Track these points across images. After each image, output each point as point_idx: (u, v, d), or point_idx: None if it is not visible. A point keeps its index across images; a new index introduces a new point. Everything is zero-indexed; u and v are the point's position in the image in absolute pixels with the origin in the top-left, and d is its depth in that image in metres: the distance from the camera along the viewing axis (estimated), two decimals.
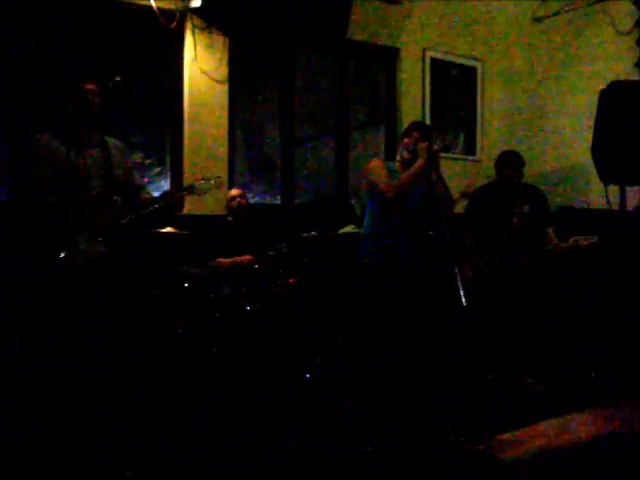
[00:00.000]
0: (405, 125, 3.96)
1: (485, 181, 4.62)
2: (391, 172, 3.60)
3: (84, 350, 2.87)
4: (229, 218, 4.34)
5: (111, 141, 3.30)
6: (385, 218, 3.60)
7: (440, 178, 3.59)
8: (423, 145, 3.50)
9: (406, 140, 3.63)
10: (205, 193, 3.41)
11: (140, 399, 2.99)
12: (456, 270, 3.20)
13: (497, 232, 4.26)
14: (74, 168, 3.06)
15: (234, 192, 4.33)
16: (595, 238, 4.01)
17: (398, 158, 3.70)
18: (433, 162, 3.50)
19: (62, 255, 2.88)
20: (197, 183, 3.35)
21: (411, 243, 3.58)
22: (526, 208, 4.28)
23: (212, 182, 3.37)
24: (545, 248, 4.14)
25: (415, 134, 3.62)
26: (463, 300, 3.11)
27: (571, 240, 4.09)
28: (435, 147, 3.51)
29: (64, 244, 2.91)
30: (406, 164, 3.60)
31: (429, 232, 3.62)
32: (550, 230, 4.27)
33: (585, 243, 4.01)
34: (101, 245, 3.05)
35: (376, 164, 3.67)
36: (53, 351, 2.85)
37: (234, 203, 4.28)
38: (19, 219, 3.13)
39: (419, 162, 3.46)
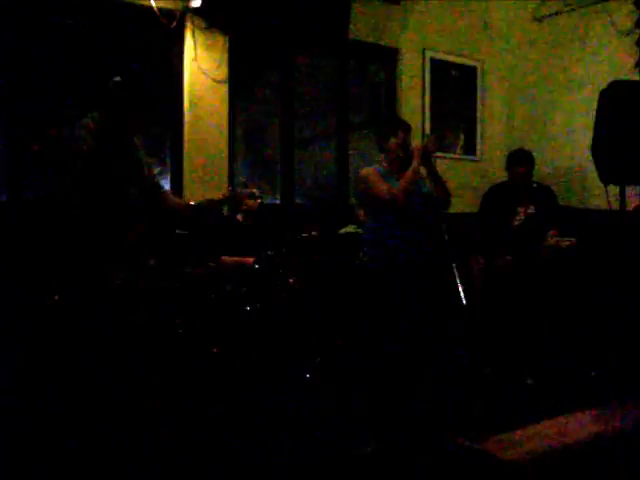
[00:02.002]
0: None
1: (484, 181, 4.63)
2: (385, 178, 3.59)
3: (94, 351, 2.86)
4: (238, 217, 4.34)
5: (137, 141, 3.10)
6: (386, 220, 3.58)
7: (438, 177, 3.58)
8: (418, 146, 3.49)
9: (394, 140, 3.60)
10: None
11: (139, 399, 2.99)
12: (455, 269, 3.21)
13: (498, 232, 4.26)
14: (118, 172, 2.85)
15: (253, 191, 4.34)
16: (574, 240, 4.02)
17: (384, 164, 3.67)
18: (428, 162, 3.50)
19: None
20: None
21: (412, 243, 3.57)
22: (531, 209, 4.29)
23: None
24: (529, 251, 4.14)
25: (401, 133, 3.61)
26: (463, 299, 3.11)
27: (552, 240, 4.10)
28: (430, 147, 3.50)
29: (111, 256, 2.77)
30: (397, 165, 3.59)
31: (428, 232, 3.61)
32: (550, 233, 4.23)
33: (565, 244, 4.03)
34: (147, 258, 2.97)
35: (370, 173, 3.62)
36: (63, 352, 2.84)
37: (254, 202, 4.28)
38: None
39: (415, 164, 3.45)
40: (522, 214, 4.28)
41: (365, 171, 3.67)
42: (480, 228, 4.40)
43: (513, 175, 4.36)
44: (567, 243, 4.02)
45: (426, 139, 3.60)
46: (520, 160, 4.34)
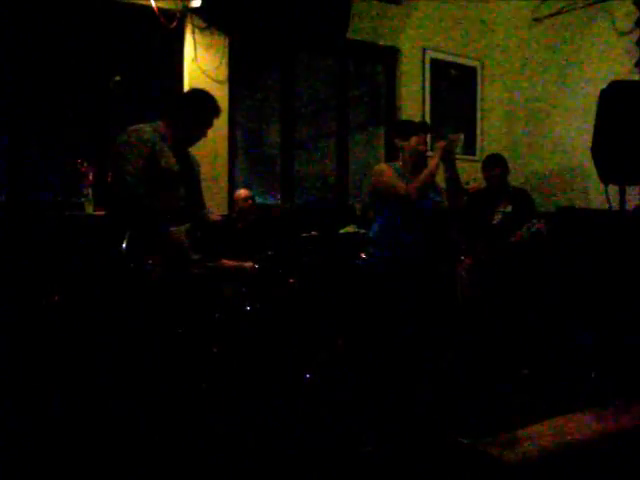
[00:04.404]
0: None
1: (484, 180, 4.66)
2: (399, 175, 3.56)
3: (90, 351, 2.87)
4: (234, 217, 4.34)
5: (189, 152, 3.28)
6: (399, 219, 3.54)
7: (456, 176, 3.52)
8: (441, 144, 3.43)
9: (416, 139, 3.57)
10: None
11: (139, 399, 2.99)
12: (459, 269, 3.20)
13: (479, 231, 4.35)
14: (172, 170, 3.00)
15: (244, 193, 4.33)
16: (533, 221, 4.08)
17: (400, 162, 3.65)
18: (450, 161, 3.46)
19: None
20: None
21: (424, 242, 3.54)
22: (508, 208, 4.43)
23: None
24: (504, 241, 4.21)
25: (422, 134, 3.59)
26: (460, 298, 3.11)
27: (524, 227, 4.15)
28: (449, 146, 3.45)
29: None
30: (412, 164, 3.57)
31: (435, 235, 3.59)
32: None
33: (535, 227, 4.08)
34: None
35: (384, 169, 3.59)
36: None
37: (245, 204, 4.28)
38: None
39: (435, 160, 3.40)
40: (500, 213, 4.44)
41: (380, 166, 3.66)
42: (460, 230, 4.51)
43: (489, 177, 4.56)
44: (535, 227, 4.08)
45: (448, 139, 3.53)
46: (495, 163, 4.55)
